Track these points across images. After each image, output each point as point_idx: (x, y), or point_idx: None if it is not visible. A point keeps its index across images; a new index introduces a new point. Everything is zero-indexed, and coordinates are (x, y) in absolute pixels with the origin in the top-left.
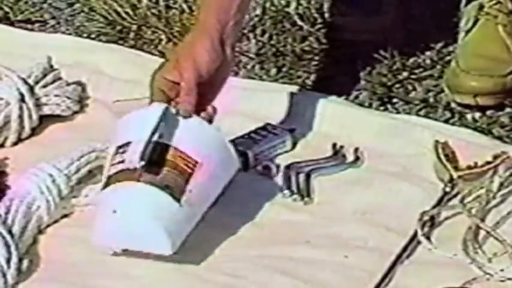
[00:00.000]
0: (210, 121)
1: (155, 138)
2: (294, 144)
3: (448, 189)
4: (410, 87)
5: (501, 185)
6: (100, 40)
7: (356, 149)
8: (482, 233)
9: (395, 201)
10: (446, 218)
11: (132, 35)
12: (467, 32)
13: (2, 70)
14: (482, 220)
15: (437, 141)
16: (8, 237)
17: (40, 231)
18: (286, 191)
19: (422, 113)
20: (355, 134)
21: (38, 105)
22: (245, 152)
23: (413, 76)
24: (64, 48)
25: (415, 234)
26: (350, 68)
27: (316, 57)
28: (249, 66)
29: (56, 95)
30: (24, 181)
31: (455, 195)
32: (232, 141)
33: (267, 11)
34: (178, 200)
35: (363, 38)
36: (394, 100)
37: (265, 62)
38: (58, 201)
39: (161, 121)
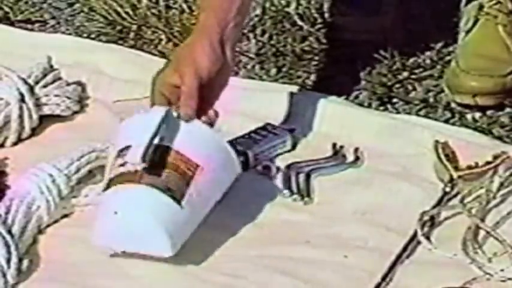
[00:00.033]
0: (212, 125)
1: (156, 140)
2: (294, 144)
3: (448, 189)
4: (410, 87)
5: (501, 185)
6: (100, 40)
7: (356, 149)
8: (482, 233)
9: (395, 201)
10: (446, 218)
11: (132, 35)
12: (467, 32)
13: (2, 70)
14: (482, 220)
15: (437, 141)
16: (8, 237)
17: (40, 231)
18: (286, 191)
19: (422, 113)
20: (355, 134)
21: (38, 105)
22: (245, 152)
23: (413, 76)
24: (64, 48)
25: (415, 234)
26: (350, 68)
27: (316, 57)
28: (249, 66)
29: (56, 95)
30: (24, 181)
31: (455, 195)
32: (233, 141)
33: (267, 11)
34: (179, 202)
35: (362, 38)
36: (394, 100)
37: (265, 62)
38: (58, 201)
39: (162, 124)
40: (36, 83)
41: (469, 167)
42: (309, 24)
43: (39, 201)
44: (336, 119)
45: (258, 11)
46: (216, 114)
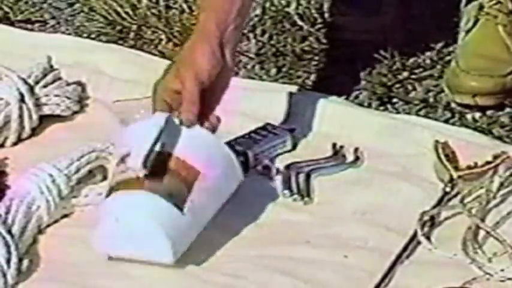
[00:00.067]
0: (214, 131)
1: (158, 147)
2: (294, 144)
3: (448, 189)
4: (410, 87)
5: (501, 185)
6: (100, 40)
7: (356, 149)
8: (482, 233)
9: (395, 201)
10: (446, 218)
11: (132, 35)
12: (467, 32)
13: (2, 70)
14: (482, 220)
15: (437, 141)
16: (8, 237)
17: (40, 231)
18: (286, 191)
19: (422, 113)
20: (355, 134)
21: (38, 105)
22: (245, 152)
23: (413, 76)
24: (64, 48)
25: (415, 234)
26: (350, 68)
27: (316, 57)
28: (249, 66)
29: (56, 95)
30: (24, 181)
31: (455, 195)
32: (233, 141)
33: (267, 11)
34: (180, 209)
35: (362, 38)
36: (394, 100)
37: (265, 62)
38: (58, 201)
39: (164, 130)
40: (36, 83)
41: (469, 167)
42: (309, 24)
43: (39, 201)
44: (336, 119)
45: (258, 11)
46: (218, 119)
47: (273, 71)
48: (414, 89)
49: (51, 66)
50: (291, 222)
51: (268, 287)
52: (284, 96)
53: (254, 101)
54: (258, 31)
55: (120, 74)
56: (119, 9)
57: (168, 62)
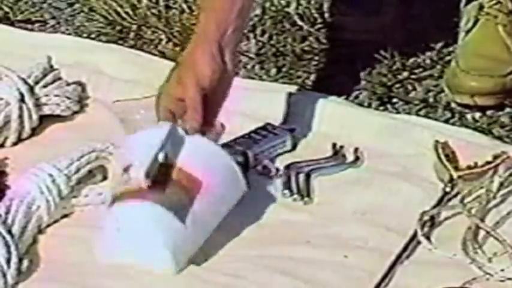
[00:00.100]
0: (218, 138)
1: (161, 157)
2: (294, 144)
3: (448, 189)
4: (410, 87)
5: (501, 185)
6: (100, 40)
7: (356, 149)
8: (482, 233)
9: (395, 201)
10: (446, 218)
11: (132, 35)
12: (467, 32)
13: (2, 70)
14: (482, 220)
15: (437, 141)
16: (8, 237)
17: (40, 231)
18: (286, 191)
19: (422, 113)
20: (355, 134)
21: (38, 105)
22: (245, 152)
23: (413, 76)
24: (64, 48)
25: (415, 234)
26: (350, 68)
27: (316, 57)
28: (249, 66)
29: (56, 95)
30: (24, 181)
31: (455, 195)
32: (232, 141)
33: (267, 11)
34: (182, 220)
35: (362, 38)
36: (394, 100)
37: (265, 62)
38: (58, 201)
39: (167, 140)
40: (36, 83)
41: (469, 167)
42: (309, 24)
43: (39, 201)
44: (335, 119)
45: (258, 11)
46: (223, 126)
47: (273, 71)
48: (414, 89)
49: (51, 66)
50: (291, 222)
51: (268, 287)
52: (284, 96)
53: (254, 101)
54: (258, 31)
55: (120, 74)
56: (119, 9)
57: (168, 62)
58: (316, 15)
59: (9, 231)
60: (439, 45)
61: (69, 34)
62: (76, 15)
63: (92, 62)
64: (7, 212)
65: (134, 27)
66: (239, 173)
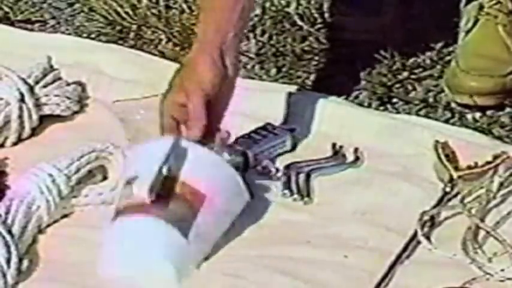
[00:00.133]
0: (223, 145)
1: (164, 171)
2: (294, 144)
3: (448, 189)
4: (410, 87)
5: (501, 185)
6: (100, 40)
7: (356, 149)
8: (482, 233)
9: (395, 201)
10: (446, 218)
11: (132, 35)
12: (467, 32)
13: (2, 70)
14: (482, 220)
15: (437, 141)
16: (8, 237)
17: (40, 231)
18: (286, 191)
19: (422, 113)
20: (355, 134)
21: (38, 105)
22: (245, 152)
23: (413, 76)
24: (64, 48)
25: (415, 234)
26: (350, 68)
27: (316, 57)
28: (249, 66)
29: (56, 95)
30: (24, 181)
31: (455, 195)
32: (233, 141)
33: (267, 11)
34: (185, 234)
35: (362, 38)
36: (394, 100)
37: (265, 62)
38: (58, 201)
39: (170, 154)
40: (36, 83)
41: (469, 167)
42: (309, 24)
43: (39, 201)
44: (335, 119)
45: (258, 11)
46: (228, 134)
47: (273, 71)
48: (414, 89)
49: (51, 66)
50: (291, 222)
51: (268, 287)
52: (284, 96)
53: (254, 101)
54: (258, 31)
55: (120, 74)
56: (119, 9)
57: (168, 62)
58: (316, 15)
59: (9, 231)
60: (439, 45)
61: (69, 34)
62: (76, 15)
63: (92, 62)
64: (7, 212)
65: (134, 27)
66: (242, 184)
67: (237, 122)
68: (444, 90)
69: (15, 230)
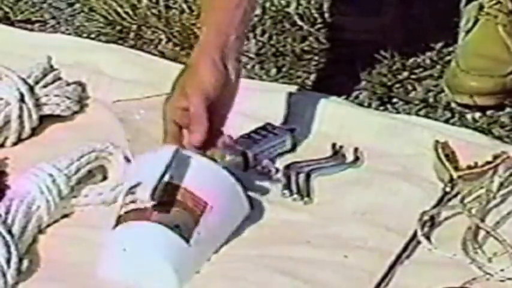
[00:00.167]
0: (226, 150)
1: (166, 178)
2: (294, 144)
3: (448, 189)
4: (410, 87)
5: (501, 185)
6: (100, 40)
7: (356, 149)
8: (482, 233)
9: (395, 201)
10: (446, 218)
11: (132, 35)
12: (467, 32)
13: (2, 70)
14: (482, 220)
15: (437, 141)
16: (8, 237)
17: (40, 231)
18: (286, 191)
19: (422, 113)
20: (355, 134)
21: (38, 105)
22: (245, 152)
23: (413, 76)
24: (64, 48)
25: (415, 234)
26: (350, 68)
27: (316, 57)
28: (249, 66)
29: (56, 95)
30: (24, 181)
31: (455, 195)
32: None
33: (267, 11)
34: (187, 240)
35: (362, 38)
36: (394, 100)
37: (265, 62)
38: (58, 201)
39: (172, 161)
40: (36, 83)
41: (469, 167)
42: (309, 24)
43: (39, 201)
44: (335, 119)
45: (258, 11)
46: (231, 138)
47: (273, 71)
48: (414, 89)
49: (51, 66)
50: (291, 222)
51: (268, 287)
52: (284, 96)
53: (254, 101)
54: (258, 31)
55: (120, 74)
56: (118, 9)
57: (168, 62)
58: (316, 15)
59: (9, 231)
60: (439, 45)
61: (69, 34)
62: (76, 15)
63: (92, 62)
64: (7, 212)
65: (134, 27)
66: (242, 193)
67: (237, 122)
68: (444, 90)
69: (15, 230)
